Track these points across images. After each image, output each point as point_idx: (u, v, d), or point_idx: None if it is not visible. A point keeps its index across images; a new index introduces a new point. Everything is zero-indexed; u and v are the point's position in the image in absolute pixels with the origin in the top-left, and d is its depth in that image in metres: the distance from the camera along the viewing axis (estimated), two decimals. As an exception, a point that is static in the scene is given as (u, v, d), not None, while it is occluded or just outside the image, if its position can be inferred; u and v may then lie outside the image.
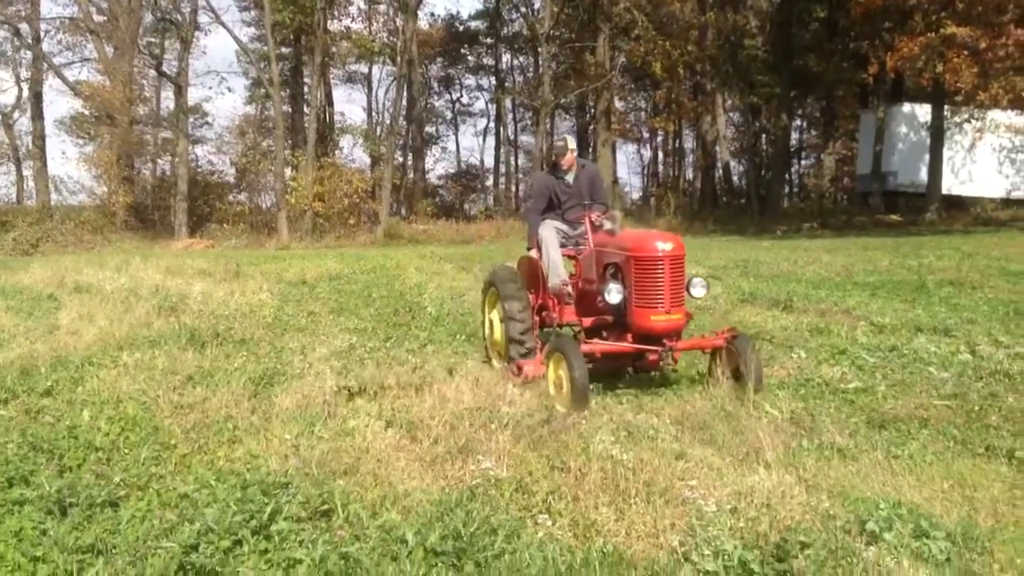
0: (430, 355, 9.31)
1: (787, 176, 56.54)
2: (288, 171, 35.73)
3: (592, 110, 43.96)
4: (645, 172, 61.84)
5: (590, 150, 42.48)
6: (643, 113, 58.30)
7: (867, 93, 41.57)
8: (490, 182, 55.45)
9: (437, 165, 60.93)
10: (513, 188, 53.06)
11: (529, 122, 54.77)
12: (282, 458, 5.29)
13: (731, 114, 52.54)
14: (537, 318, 8.80)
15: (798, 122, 57.75)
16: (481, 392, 7.61)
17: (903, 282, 14.34)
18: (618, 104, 49.62)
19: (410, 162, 48.63)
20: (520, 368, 7.77)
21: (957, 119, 30.21)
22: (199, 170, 40.81)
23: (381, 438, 6.09)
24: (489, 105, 56.81)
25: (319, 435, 5.88)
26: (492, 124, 56.08)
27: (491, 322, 9.21)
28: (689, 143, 56.64)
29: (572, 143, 9.08)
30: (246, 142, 42.59)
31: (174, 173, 36.69)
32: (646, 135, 59.91)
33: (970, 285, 13.89)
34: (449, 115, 58.79)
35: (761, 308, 12.43)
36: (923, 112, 34.21)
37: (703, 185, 46.07)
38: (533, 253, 8.90)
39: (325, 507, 4.30)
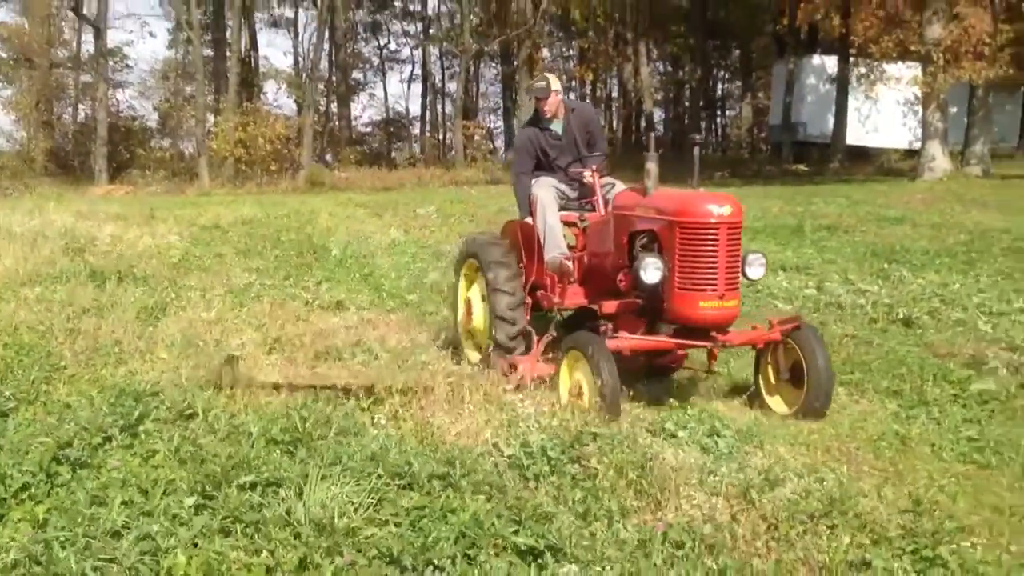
0: (324, 292, 9.93)
1: (712, 126, 57.74)
2: (210, 117, 35.67)
3: (516, 58, 44.33)
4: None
5: (514, 98, 42.91)
6: (570, 62, 58.73)
7: (783, 45, 42.62)
8: (417, 130, 55.64)
9: (365, 112, 60.82)
10: (439, 136, 53.30)
11: (458, 69, 54.88)
12: (160, 375, 5.91)
13: (656, 64, 53.31)
14: (529, 299, 7.05)
15: (721, 72, 58.81)
16: (362, 324, 8.32)
17: (784, 226, 15.24)
18: (545, 53, 50.04)
19: (335, 109, 48.62)
20: (514, 367, 6.42)
21: (858, 72, 31.22)
22: (120, 115, 40.45)
23: (262, 361, 6.75)
24: (414, 52, 56.76)
25: (201, 357, 6.50)
26: (419, 71, 56.10)
27: (468, 303, 7.44)
28: (615, 92, 57.35)
29: (556, 83, 7.21)
30: (168, 87, 42.25)
31: (94, 118, 36.39)
32: (574, 83, 60.39)
33: (843, 229, 14.87)
34: (376, 62, 58.63)
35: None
36: (832, 64, 35.28)
37: (623, 134, 46.93)
38: (528, 220, 7.19)
39: (190, 411, 4.94)
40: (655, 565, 3.36)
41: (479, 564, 3.26)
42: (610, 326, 6.11)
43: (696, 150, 6.51)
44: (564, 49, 57.95)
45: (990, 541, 3.88)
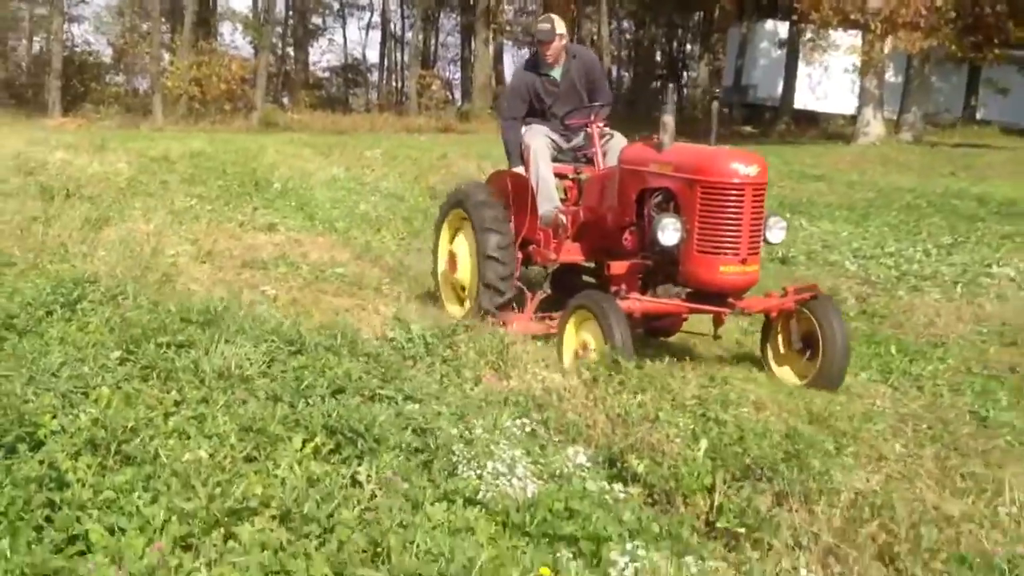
0: (259, 217, 10.66)
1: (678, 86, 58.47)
2: (165, 55, 35.86)
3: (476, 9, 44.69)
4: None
5: (472, 48, 43.44)
6: (530, 16, 58.96)
7: (743, 9, 43.39)
8: (375, 77, 55.85)
9: (324, 57, 60.74)
10: (397, 83, 53.54)
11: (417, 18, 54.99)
12: (98, 268, 6.68)
13: (619, 22, 53.86)
14: (520, 254, 6.81)
15: (684, 33, 59.45)
16: (289, 243, 9.10)
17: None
18: (508, 7, 50.54)
19: (291, 52, 48.75)
20: (506, 325, 6.21)
21: (805, 38, 32.15)
22: (76, 50, 40.49)
23: (193, 266, 7.53)
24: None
25: (137, 259, 7.27)
26: (379, 18, 56.17)
27: (452, 255, 7.12)
28: (575, 48, 57.67)
29: (560, 26, 6.85)
30: (124, 23, 42.24)
31: (49, 50, 36.42)
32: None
33: (764, 185, 15.79)
34: (336, 7, 58.55)
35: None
36: (783, 29, 36.21)
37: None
38: (519, 169, 6.94)
39: (122, 295, 5.71)
40: (482, 408, 4.22)
41: (342, 402, 4.09)
42: (623, 286, 5.90)
43: (715, 105, 6.62)
44: (526, 2, 58.28)
45: (771, 412, 4.79)
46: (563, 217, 6.58)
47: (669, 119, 5.85)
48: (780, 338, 6.07)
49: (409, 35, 56.13)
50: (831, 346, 5.58)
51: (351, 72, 56.02)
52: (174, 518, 3.04)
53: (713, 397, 4.71)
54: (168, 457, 3.51)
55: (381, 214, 11.44)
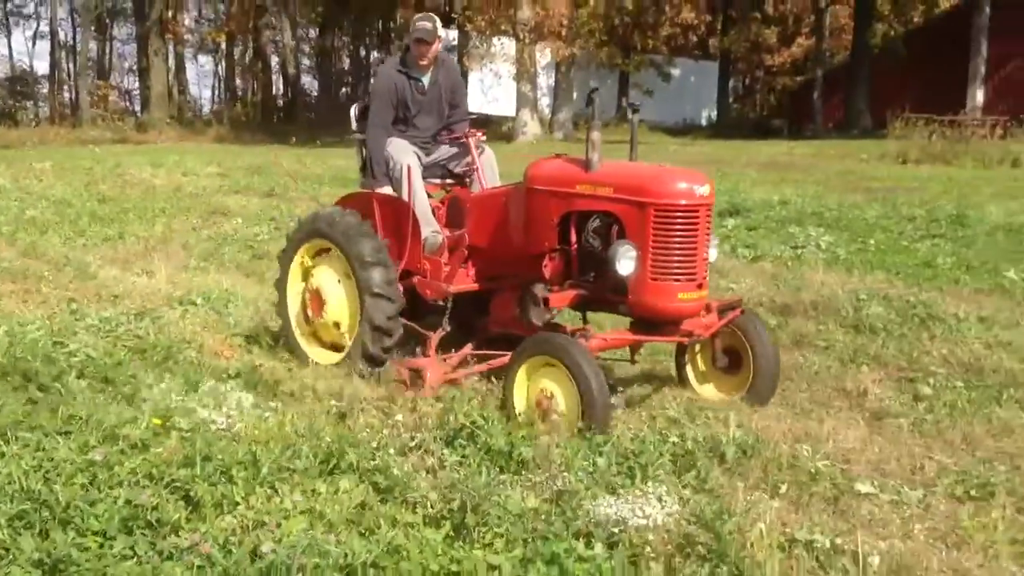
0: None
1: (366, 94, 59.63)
2: None
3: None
4: (217, 85, 62.10)
5: (148, 59, 42.75)
6: (207, 25, 58.33)
7: (418, 16, 45.20)
8: (46, 89, 53.32)
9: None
10: (70, 95, 51.43)
11: (93, 28, 53.01)
12: None
13: (304, 30, 54.43)
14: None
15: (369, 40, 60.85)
16: None
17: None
18: (185, 16, 49.98)
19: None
20: (416, 373, 5.53)
21: (471, 45, 34.54)
22: None
23: None
24: (40, 8, 54.25)
25: None
26: (47, 27, 53.67)
27: (316, 295, 6.09)
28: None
29: (440, 27, 6.18)
30: None
31: None
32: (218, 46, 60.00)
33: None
34: (0, 16, 55.36)
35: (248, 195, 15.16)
36: (454, 36, 38.49)
37: (263, 99, 48.08)
38: (385, 189, 6.04)
39: None
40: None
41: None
42: (590, 327, 5.42)
43: (635, 117, 5.73)
44: (203, 11, 57.62)
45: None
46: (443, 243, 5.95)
47: (597, 135, 5.28)
48: (700, 356, 5.74)
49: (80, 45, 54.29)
50: (763, 362, 5.38)
51: (19, 84, 53.24)
52: None
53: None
54: None
55: (49, 218, 11.91)
